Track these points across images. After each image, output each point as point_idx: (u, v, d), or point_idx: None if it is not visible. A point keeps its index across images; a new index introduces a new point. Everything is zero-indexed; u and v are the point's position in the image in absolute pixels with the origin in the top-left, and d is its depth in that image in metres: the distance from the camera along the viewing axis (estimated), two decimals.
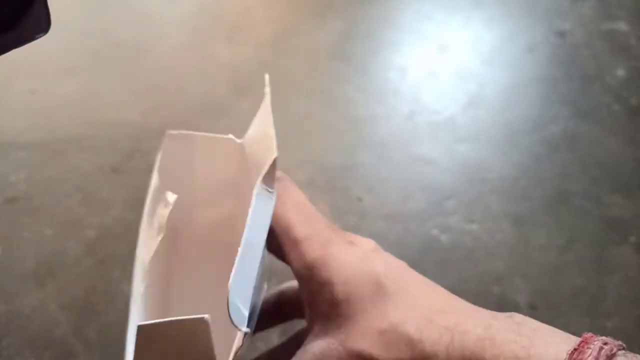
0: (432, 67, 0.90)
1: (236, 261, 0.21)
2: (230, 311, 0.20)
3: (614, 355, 0.18)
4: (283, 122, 0.84)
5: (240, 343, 0.20)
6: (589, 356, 0.18)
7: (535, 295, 0.65)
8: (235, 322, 0.20)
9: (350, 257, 0.23)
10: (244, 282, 0.21)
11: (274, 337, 0.62)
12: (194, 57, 0.90)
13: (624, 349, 0.19)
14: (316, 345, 0.22)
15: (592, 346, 0.18)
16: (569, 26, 0.97)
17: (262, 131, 0.28)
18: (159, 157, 0.27)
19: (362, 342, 0.21)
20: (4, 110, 0.82)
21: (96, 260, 0.67)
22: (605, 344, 0.18)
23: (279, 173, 0.28)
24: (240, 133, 0.81)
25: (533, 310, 0.64)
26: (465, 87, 0.89)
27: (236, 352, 0.20)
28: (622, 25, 0.97)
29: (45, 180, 0.75)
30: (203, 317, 0.18)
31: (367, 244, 0.25)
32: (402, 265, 0.25)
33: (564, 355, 0.18)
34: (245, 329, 0.20)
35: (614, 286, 0.65)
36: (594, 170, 0.77)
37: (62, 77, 0.86)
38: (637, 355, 0.19)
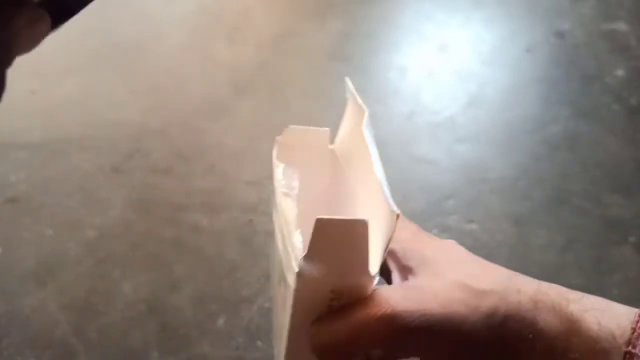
0: (432, 67, 0.90)
1: (374, 164, 0.24)
2: (387, 195, 0.23)
3: None
4: (283, 122, 0.84)
5: (394, 227, 0.23)
6: None
7: None
8: (392, 205, 0.23)
9: (435, 242, 0.26)
10: (384, 183, 0.25)
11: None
12: (194, 57, 0.90)
13: None
14: (407, 282, 0.24)
15: None
16: (569, 26, 0.97)
17: (351, 137, 0.29)
18: (275, 157, 0.28)
19: (457, 275, 0.23)
20: (4, 110, 0.82)
21: (96, 260, 0.67)
22: None
23: None
24: (241, 132, 0.81)
25: None
26: (465, 87, 0.89)
27: (389, 237, 0.23)
28: (621, 26, 0.98)
29: (45, 180, 0.75)
30: (364, 220, 0.22)
31: (449, 241, 0.28)
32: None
33: (638, 310, 0.20)
34: (397, 210, 0.23)
35: (614, 286, 0.65)
36: (594, 170, 0.78)
37: (62, 77, 0.86)
38: None
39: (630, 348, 0.18)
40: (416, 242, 0.25)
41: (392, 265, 0.26)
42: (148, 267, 0.67)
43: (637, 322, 0.19)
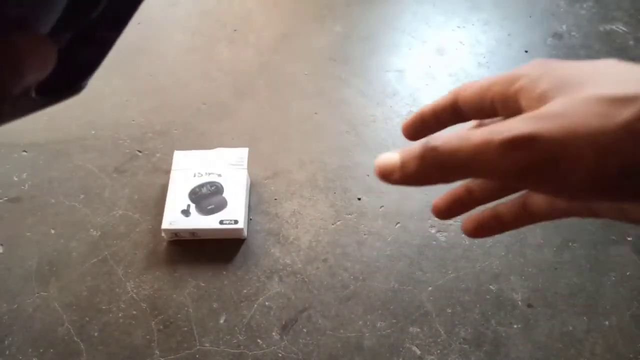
0: (430, 69, 0.91)
1: None
2: None
3: None
4: (284, 124, 0.85)
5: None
6: None
7: (532, 294, 0.65)
8: None
9: (578, 63, 0.20)
10: None
11: (274, 335, 0.63)
12: (195, 59, 0.90)
13: None
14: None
15: None
16: (567, 28, 0.97)
17: None
18: None
19: (595, 89, 0.18)
20: None
21: (99, 260, 0.68)
22: None
23: None
24: (241, 133, 0.82)
25: (530, 308, 0.65)
26: None
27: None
28: (620, 27, 0.98)
29: (48, 180, 0.75)
30: None
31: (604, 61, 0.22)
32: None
33: None
34: None
35: (611, 285, 0.66)
36: None
37: None
38: None
39: None
40: (549, 68, 0.21)
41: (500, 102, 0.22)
42: (150, 266, 0.67)
43: None
